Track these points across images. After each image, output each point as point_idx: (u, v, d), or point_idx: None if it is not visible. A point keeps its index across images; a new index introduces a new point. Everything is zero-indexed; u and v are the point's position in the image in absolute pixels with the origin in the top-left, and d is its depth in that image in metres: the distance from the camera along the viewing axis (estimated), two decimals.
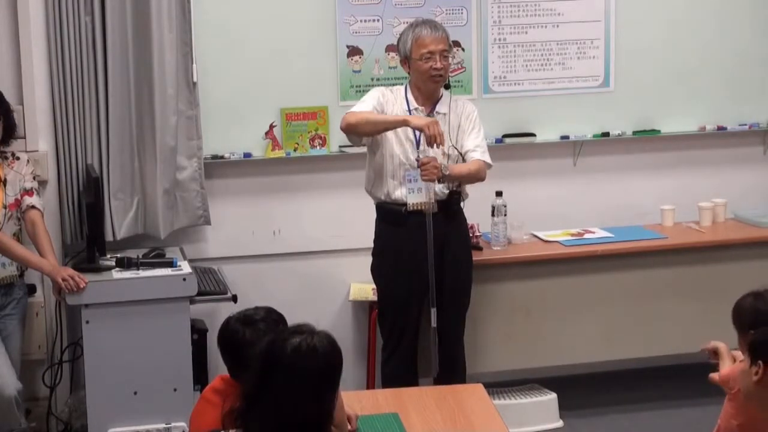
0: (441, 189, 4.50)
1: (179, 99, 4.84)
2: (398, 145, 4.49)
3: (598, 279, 5.07)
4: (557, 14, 5.32)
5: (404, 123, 4.38)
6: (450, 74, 4.68)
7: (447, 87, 4.56)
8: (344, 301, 5.29)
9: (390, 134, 4.49)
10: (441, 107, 4.54)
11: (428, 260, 4.46)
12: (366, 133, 4.48)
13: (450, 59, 4.54)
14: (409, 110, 4.51)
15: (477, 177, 4.53)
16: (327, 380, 2.50)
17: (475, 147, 4.53)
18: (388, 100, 4.53)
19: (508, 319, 4.99)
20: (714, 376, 3.39)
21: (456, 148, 4.51)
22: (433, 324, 4.52)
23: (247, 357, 2.80)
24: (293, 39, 5.07)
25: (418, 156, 4.42)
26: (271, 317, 3.04)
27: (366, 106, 4.49)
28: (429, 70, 4.43)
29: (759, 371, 2.78)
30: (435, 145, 4.30)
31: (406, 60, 4.52)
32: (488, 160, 4.55)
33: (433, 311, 4.51)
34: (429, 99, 4.53)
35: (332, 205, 5.21)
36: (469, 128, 4.55)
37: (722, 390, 3.36)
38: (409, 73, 4.55)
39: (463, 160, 4.53)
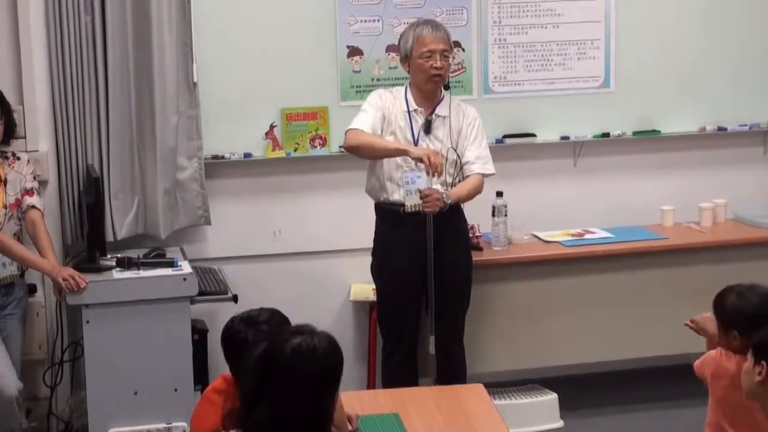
0: (440, 188, 4.49)
1: (179, 99, 4.84)
2: None
3: (599, 279, 5.07)
4: (557, 15, 5.32)
5: (404, 153, 4.39)
6: (450, 74, 4.68)
7: (446, 87, 4.56)
8: (345, 301, 5.29)
9: (389, 139, 4.49)
10: (441, 110, 4.53)
11: (428, 262, 4.46)
12: (366, 157, 4.52)
13: (450, 60, 4.54)
14: (409, 111, 4.51)
15: (476, 192, 4.56)
16: (327, 381, 2.50)
17: (476, 159, 4.52)
18: (387, 102, 4.53)
19: (509, 319, 4.99)
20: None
21: (455, 151, 4.50)
22: (432, 352, 4.54)
23: (247, 358, 2.80)
24: (293, 39, 5.07)
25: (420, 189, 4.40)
26: (275, 319, 3.04)
27: (367, 117, 4.49)
28: (429, 69, 4.43)
29: (762, 371, 2.78)
30: (435, 175, 4.31)
31: (406, 59, 4.52)
32: (489, 170, 4.56)
33: (432, 339, 4.53)
34: (429, 100, 4.53)
35: (332, 205, 5.21)
36: (471, 136, 4.55)
37: None
38: (409, 73, 4.55)
39: (461, 168, 4.54)
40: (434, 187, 4.46)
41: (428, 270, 4.48)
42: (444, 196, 4.39)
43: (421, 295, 4.57)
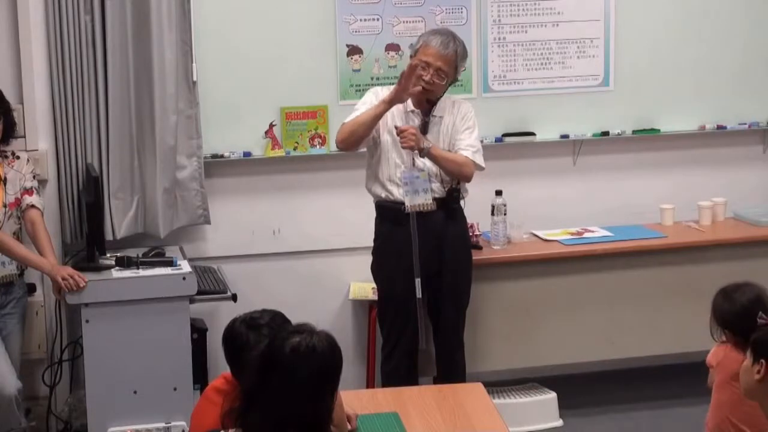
0: (439, 187, 4.50)
1: (179, 98, 4.84)
2: (394, 149, 4.48)
3: (598, 278, 5.07)
4: (557, 13, 5.32)
5: (384, 105, 4.37)
6: None
7: (429, 102, 4.47)
8: (344, 300, 5.29)
9: (386, 138, 4.49)
10: (437, 111, 4.52)
11: (413, 249, 4.43)
12: (362, 136, 4.46)
13: (445, 82, 4.44)
14: (406, 111, 4.50)
15: (459, 169, 4.47)
16: (326, 380, 2.50)
17: (467, 146, 4.49)
18: None
19: (508, 318, 4.99)
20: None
21: (450, 150, 4.49)
22: (418, 295, 4.48)
23: (248, 360, 2.81)
24: (293, 38, 5.06)
25: (397, 125, 4.42)
26: (277, 321, 3.04)
27: (358, 114, 4.48)
28: (419, 78, 4.39)
29: (761, 370, 2.78)
30: (420, 84, 4.33)
31: (411, 58, 4.50)
32: (479, 161, 4.51)
33: (418, 281, 4.46)
34: (423, 100, 4.49)
35: (332, 204, 5.21)
36: (462, 128, 4.53)
37: None
38: None
39: None
40: (433, 186, 4.46)
41: (414, 265, 4.45)
42: (424, 140, 4.37)
43: (421, 294, 4.57)
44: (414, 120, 4.50)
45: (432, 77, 4.39)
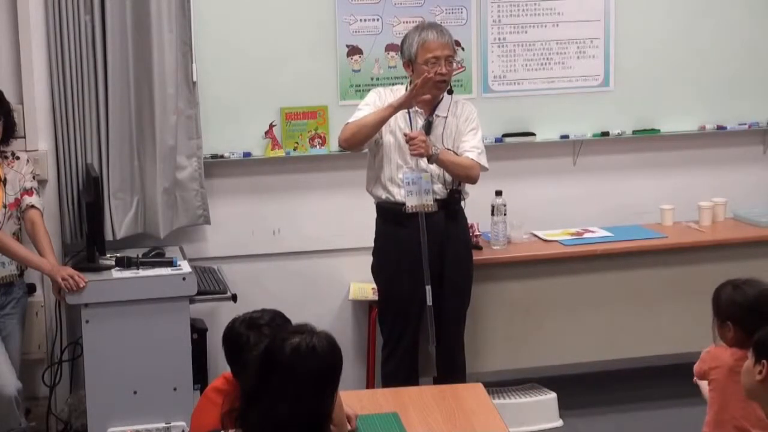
0: (440, 188, 4.50)
1: (179, 98, 4.84)
2: (396, 150, 4.49)
3: (598, 278, 5.07)
4: (557, 13, 5.32)
5: (392, 110, 4.39)
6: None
7: (450, 92, 4.53)
8: (344, 301, 5.29)
9: (388, 139, 4.49)
10: (440, 110, 4.52)
11: (422, 252, 4.44)
12: (366, 137, 4.46)
13: (454, 64, 4.52)
14: (409, 112, 4.50)
15: (466, 172, 4.50)
16: (326, 380, 2.50)
17: (471, 148, 4.51)
18: (387, 101, 4.51)
19: (508, 318, 4.99)
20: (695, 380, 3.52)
21: (453, 151, 4.50)
22: (429, 302, 4.50)
23: (248, 360, 2.81)
24: (293, 38, 5.06)
25: (406, 132, 4.43)
26: (277, 321, 3.04)
27: (362, 114, 4.48)
28: (434, 76, 4.40)
29: (763, 371, 2.78)
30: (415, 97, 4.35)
31: (409, 63, 4.50)
32: (483, 162, 4.53)
33: (428, 288, 4.48)
34: (429, 101, 4.51)
35: (332, 204, 5.21)
36: (467, 129, 4.54)
37: None
38: (411, 76, 4.52)
39: None
40: (434, 187, 4.46)
41: (424, 271, 4.46)
42: (433, 146, 4.38)
43: (421, 294, 4.56)
44: (417, 120, 4.51)
45: (446, 67, 4.42)
